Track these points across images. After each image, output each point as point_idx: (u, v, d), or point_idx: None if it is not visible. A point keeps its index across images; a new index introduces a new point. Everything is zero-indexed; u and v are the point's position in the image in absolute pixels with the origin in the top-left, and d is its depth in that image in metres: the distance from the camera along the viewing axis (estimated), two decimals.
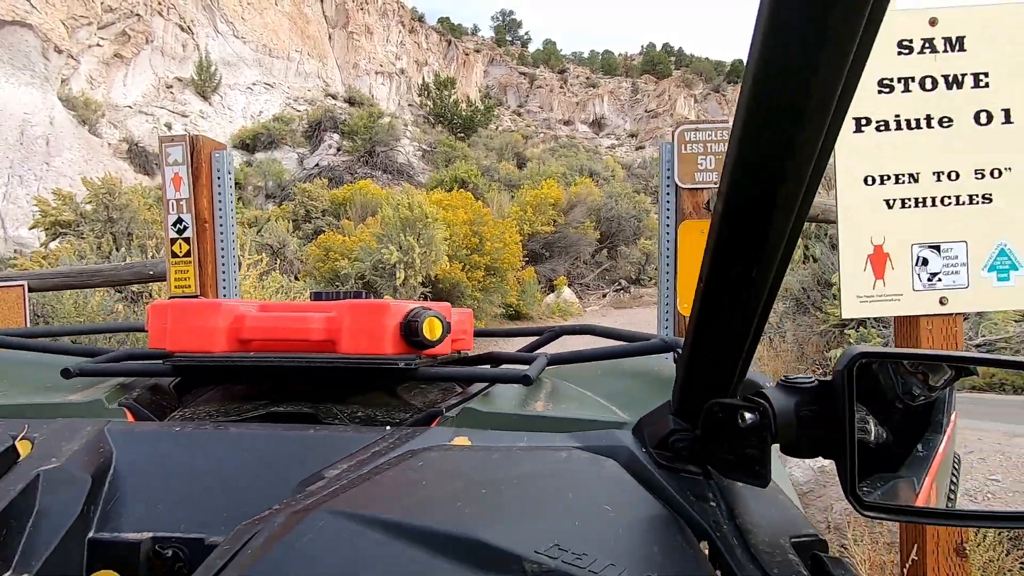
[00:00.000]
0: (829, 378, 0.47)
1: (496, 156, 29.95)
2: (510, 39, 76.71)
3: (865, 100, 1.72)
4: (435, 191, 12.99)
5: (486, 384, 0.81)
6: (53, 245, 8.76)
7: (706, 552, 0.45)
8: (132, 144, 24.06)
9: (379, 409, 0.76)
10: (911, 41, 1.74)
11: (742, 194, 0.35)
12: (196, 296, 2.81)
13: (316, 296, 0.84)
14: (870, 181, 1.77)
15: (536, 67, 66.73)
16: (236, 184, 23.07)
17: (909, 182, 1.74)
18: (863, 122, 1.77)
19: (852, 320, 5.67)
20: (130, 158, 23.71)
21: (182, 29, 29.47)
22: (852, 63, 0.30)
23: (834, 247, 6.42)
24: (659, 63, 67.06)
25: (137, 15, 26.14)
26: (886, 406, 0.53)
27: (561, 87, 63.17)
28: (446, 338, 0.76)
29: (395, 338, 0.73)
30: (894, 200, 1.77)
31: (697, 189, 3.03)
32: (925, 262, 1.74)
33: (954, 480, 0.61)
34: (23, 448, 0.55)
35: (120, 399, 0.74)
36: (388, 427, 0.64)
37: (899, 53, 1.73)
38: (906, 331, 1.90)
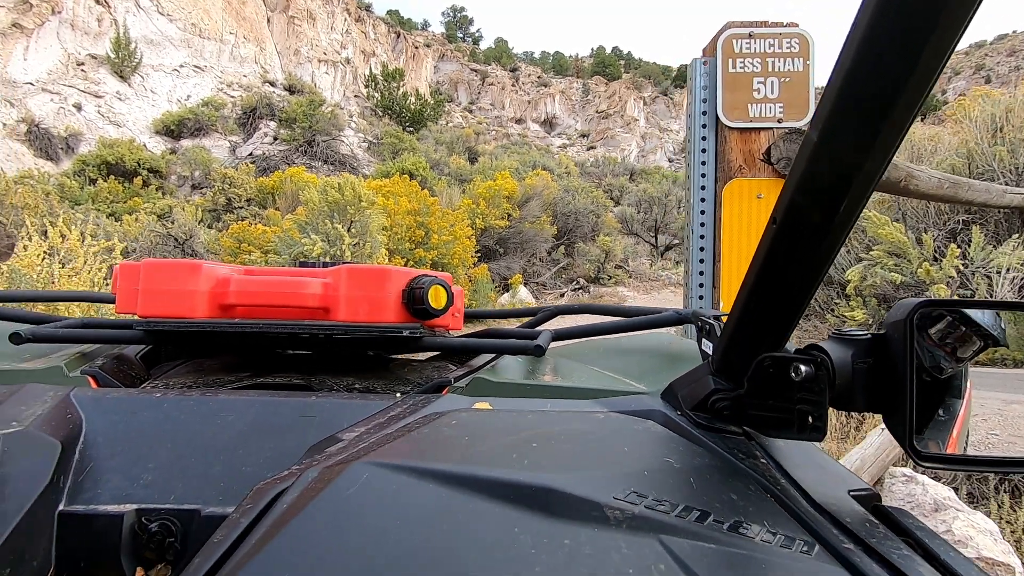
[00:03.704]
0: (883, 331, 0.46)
1: (447, 150, 28.67)
2: (461, 36, 75.70)
3: None
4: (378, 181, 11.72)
5: (490, 358, 0.77)
6: None
7: None
8: (33, 125, 21.35)
9: (376, 381, 0.70)
10: None
11: (844, 126, 0.34)
12: None
13: (302, 264, 0.77)
14: None
15: (488, 64, 66.07)
16: (156, 173, 20.79)
17: None
18: None
19: (874, 324, 4.91)
20: (29, 140, 21.03)
21: (97, 2, 26.62)
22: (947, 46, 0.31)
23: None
24: (609, 65, 67.65)
25: None
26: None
27: (513, 85, 62.69)
28: (449, 309, 0.69)
29: (397, 306, 0.67)
30: None
31: (752, 129, 2.00)
32: None
33: (966, 441, 0.61)
34: None
35: (82, 367, 0.67)
36: (399, 395, 0.58)
37: None
38: None
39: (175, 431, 0.49)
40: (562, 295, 13.54)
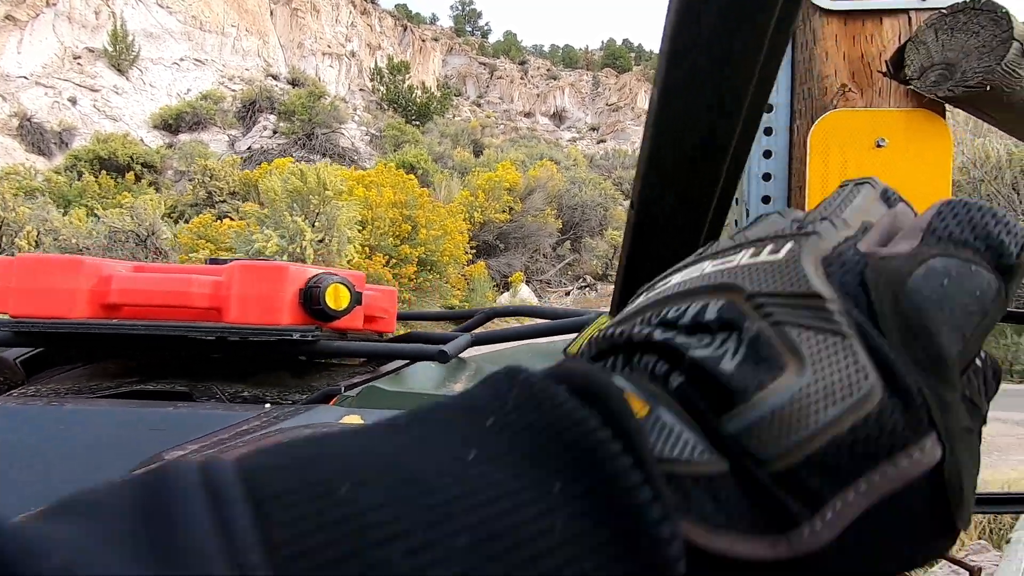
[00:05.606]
0: None
1: (451, 143, 27.82)
2: (470, 29, 74.83)
3: None
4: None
5: (401, 364, 0.75)
6: None
7: None
8: (25, 120, 20.83)
9: (271, 389, 0.67)
10: None
11: (684, 81, 0.28)
12: None
13: (213, 262, 0.75)
14: None
15: (496, 58, 65.18)
16: (151, 168, 20.13)
17: None
18: None
19: None
20: (21, 135, 20.51)
21: None
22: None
23: None
24: (619, 58, 66.35)
25: None
26: None
27: (522, 79, 61.78)
28: (355, 311, 0.68)
29: (293, 307, 0.65)
30: None
31: (868, 14, 1.12)
32: None
33: None
34: None
35: None
36: (268, 405, 0.56)
37: None
38: None
39: None
40: (567, 293, 12.67)
